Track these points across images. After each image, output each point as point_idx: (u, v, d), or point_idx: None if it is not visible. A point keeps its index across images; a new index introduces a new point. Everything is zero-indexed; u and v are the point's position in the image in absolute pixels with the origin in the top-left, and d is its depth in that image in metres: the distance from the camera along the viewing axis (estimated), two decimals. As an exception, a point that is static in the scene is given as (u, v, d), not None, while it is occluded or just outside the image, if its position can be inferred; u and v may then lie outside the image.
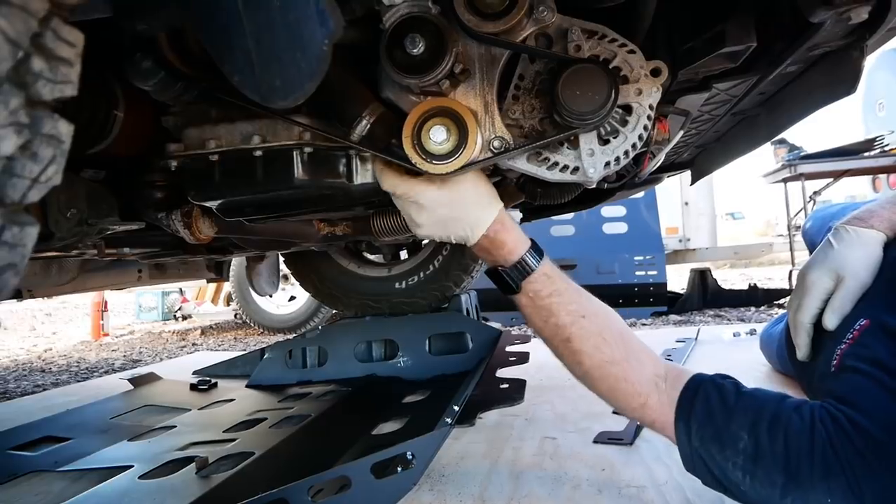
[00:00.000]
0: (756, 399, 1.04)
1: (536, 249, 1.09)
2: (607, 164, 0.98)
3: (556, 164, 1.00)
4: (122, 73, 0.95)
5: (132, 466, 1.54)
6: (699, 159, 2.18)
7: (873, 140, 5.91)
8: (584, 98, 0.91)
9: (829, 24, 0.96)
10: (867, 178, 7.45)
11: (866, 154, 5.88)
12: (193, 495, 1.29)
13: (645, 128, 0.97)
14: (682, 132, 1.29)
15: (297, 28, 0.68)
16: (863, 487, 0.90)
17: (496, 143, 0.97)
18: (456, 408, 1.42)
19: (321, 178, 1.08)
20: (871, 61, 7.34)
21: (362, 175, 1.13)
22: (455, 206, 1.03)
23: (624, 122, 0.97)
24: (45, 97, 0.45)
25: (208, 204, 1.14)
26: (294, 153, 1.03)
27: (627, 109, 0.97)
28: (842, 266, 1.23)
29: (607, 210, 5.80)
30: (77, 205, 1.10)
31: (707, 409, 1.03)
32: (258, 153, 1.04)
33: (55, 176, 0.48)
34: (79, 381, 3.67)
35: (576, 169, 0.99)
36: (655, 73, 0.96)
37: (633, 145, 0.98)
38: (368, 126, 1.00)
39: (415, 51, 0.91)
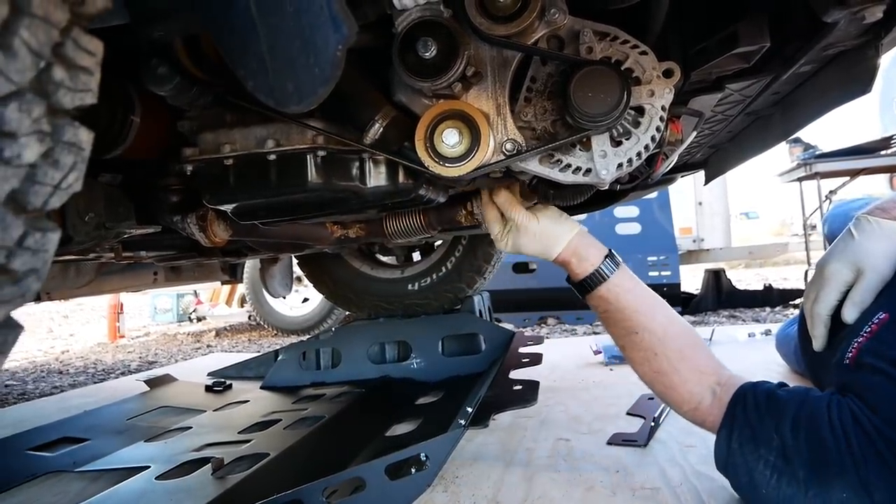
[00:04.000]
0: (783, 398, 1.05)
1: (602, 272, 1.23)
2: (620, 165, 0.98)
3: (569, 165, 1.00)
4: (138, 78, 0.96)
5: (149, 467, 1.55)
6: (713, 159, 2.16)
7: (890, 138, 5.86)
8: (596, 100, 0.91)
9: (843, 24, 0.96)
10: (884, 177, 7.37)
11: (883, 152, 5.82)
12: (210, 496, 1.30)
13: (657, 129, 0.97)
14: (695, 133, 1.29)
15: (311, 33, 0.69)
16: (871, 488, 0.91)
17: (508, 146, 0.97)
18: (469, 409, 1.42)
19: (334, 182, 1.09)
20: (887, 60, 7.28)
21: (375, 178, 1.14)
22: (539, 238, 1.24)
23: (636, 124, 0.97)
24: (66, 106, 0.46)
25: (223, 207, 1.15)
26: (308, 157, 1.04)
27: (640, 111, 0.97)
28: (862, 258, 1.22)
29: (620, 210, 5.77)
30: (95, 209, 1.12)
31: (745, 414, 1.06)
32: (272, 157, 1.05)
33: (76, 182, 0.49)
34: (96, 383, 3.71)
35: (588, 171, 0.99)
36: (668, 74, 0.96)
37: (646, 146, 0.98)
38: (381, 129, 1.01)
39: (427, 54, 0.91)
